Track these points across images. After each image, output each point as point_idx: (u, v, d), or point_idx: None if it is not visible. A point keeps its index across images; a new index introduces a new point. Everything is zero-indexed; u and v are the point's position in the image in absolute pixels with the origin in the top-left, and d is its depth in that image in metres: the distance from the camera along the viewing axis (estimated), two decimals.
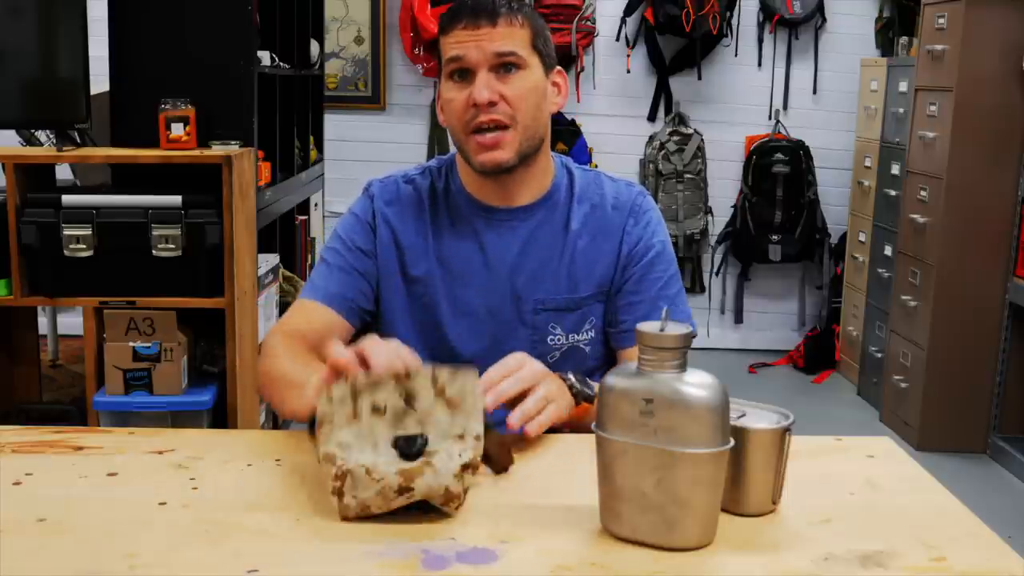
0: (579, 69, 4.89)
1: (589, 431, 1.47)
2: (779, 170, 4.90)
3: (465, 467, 1.14)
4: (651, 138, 5.04)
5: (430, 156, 5.01)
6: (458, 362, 1.54)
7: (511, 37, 1.48)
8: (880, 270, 4.43)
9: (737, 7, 4.90)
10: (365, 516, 1.12)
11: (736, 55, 5.03)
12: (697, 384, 1.08)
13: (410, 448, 1.15)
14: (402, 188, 1.62)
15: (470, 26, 1.47)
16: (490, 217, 1.58)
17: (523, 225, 1.58)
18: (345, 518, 1.12)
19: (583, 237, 1.59)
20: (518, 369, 1.34)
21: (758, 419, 1.20)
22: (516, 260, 1.57)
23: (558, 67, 1.58)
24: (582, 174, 1.64)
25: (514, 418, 1.30)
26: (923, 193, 3.97)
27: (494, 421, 1.26)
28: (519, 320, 1.56)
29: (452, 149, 1.63)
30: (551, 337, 1.56)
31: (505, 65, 1.48)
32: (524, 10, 1.52)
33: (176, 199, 2.65)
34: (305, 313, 1.58)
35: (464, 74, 1.49)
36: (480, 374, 1.53)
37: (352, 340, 1.53)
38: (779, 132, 5.03)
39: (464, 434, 1.18)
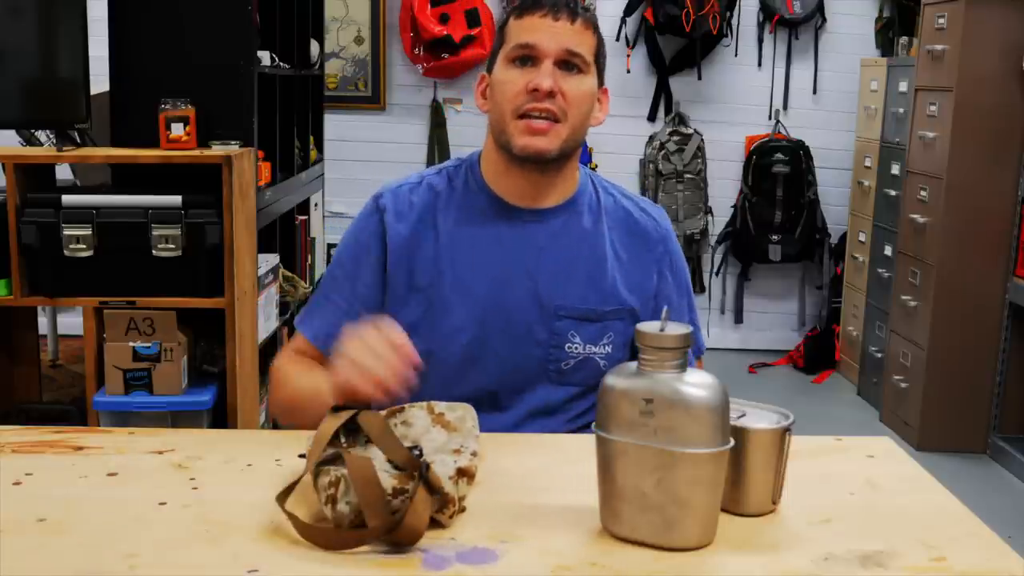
0: None
1: None
2: (779, 170, 4.90)
3: (461, 472, 1.12)
4: (651, 138, 5.04)
5: (430, 156, 5.00)
6: (473, 360, 1.54)
7: (584, 39, 1.52)
8: (880, 270, 4.43)
9: (737, 7, 4.90)
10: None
11: (736, 55, 5.03)
12: (697, 384, 1.08)
13: None
14: (415, 193, 1.59)
15: (550, 15, 1.50)
16: (513, 217, 1.56)
17: (546, 227, 1.57)
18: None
19: (611, 250, 1.58)
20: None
21: (758, 419, 1.20)
22: (538, 260, 1.55)
23: (605, 86, 1.60)
24: (604, 184, 1.65)
25: None
26: (923, 193, 3.97)
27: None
28: (540, 323, 1.54)
29: (453, 151, 1.63)
30: (569, 344, 1.55)
31: (569, 64, 1.50)
32: (595, 20, 1.56)
33: (176, 199, 2.65)
34: (299, 345, 1.62)
35: (527, 61, 1.50)
36: (494, 375, 1.53)
37: None
38: (779, 132, 5.03)
39: (461, 449, 1.17)
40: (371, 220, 1.59)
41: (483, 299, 1.54)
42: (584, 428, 1.55)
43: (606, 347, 1.56)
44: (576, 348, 1.55)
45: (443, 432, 1.20)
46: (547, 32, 1.49)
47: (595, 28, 1.55)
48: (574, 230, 1.58)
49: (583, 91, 1.51)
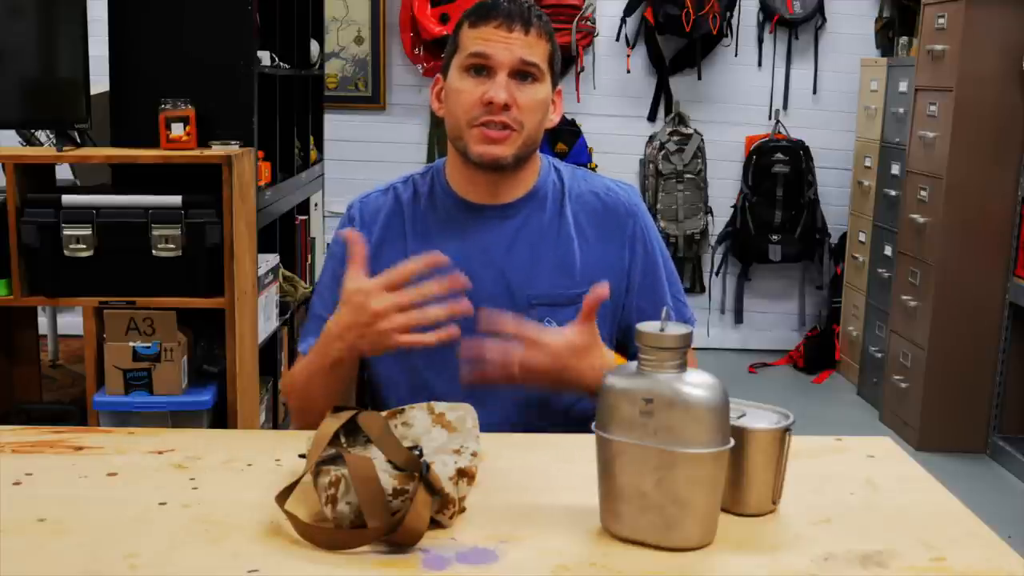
0: (579, 69, 4.89)
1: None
2: (779, 170, 4.90)
3: (461, 473, 1.12)
4: (651, 138, 5.04)
5: (430, 156, 5.01)
6: (454, 360, 1.54)
7: (537, 48, 1.53)
8: (880, 270, 4.43)
9: (737, 7, 4.90)
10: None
11: (736, 55, 5.03)
12: (697, 384, 1.08)
13: None
14: (381, 201, 1.63)
15: (504, 26, 1.51)
16: (477, 215, 1.59)
17: (511, 221, 1.59)
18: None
19: (577, 233, 1.60)
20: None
21: (758, 419, 1.20)
22: (506, 255, 1.57)
23: (560, 88, 1.62)
24: (570, 171, 1.67)
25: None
26: (923, 193, 3.97)
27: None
28: (515, 315, 1.55)
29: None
30: None
31: (524, 73, 1.51)
32: (549, 26, 1.57)
33: (176, 199, 2.65)
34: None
35: (482, 70, 1.51)
36: (468, 382, 1.53)
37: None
38: (779, 132, 5.03)
39: (461, 449, 1.17)
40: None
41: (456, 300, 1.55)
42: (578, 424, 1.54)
43: None
44: None
45: (443, 432, 1.20)
46: (501, 43, 1.50)
47: (549, 35, 1.55)
48: (538, 219, 1.60)
49: (538, 100, 1.53)
